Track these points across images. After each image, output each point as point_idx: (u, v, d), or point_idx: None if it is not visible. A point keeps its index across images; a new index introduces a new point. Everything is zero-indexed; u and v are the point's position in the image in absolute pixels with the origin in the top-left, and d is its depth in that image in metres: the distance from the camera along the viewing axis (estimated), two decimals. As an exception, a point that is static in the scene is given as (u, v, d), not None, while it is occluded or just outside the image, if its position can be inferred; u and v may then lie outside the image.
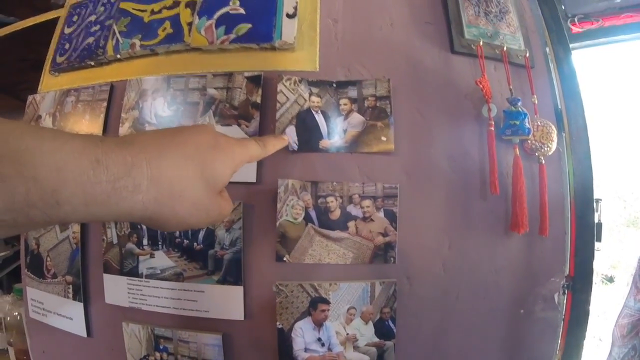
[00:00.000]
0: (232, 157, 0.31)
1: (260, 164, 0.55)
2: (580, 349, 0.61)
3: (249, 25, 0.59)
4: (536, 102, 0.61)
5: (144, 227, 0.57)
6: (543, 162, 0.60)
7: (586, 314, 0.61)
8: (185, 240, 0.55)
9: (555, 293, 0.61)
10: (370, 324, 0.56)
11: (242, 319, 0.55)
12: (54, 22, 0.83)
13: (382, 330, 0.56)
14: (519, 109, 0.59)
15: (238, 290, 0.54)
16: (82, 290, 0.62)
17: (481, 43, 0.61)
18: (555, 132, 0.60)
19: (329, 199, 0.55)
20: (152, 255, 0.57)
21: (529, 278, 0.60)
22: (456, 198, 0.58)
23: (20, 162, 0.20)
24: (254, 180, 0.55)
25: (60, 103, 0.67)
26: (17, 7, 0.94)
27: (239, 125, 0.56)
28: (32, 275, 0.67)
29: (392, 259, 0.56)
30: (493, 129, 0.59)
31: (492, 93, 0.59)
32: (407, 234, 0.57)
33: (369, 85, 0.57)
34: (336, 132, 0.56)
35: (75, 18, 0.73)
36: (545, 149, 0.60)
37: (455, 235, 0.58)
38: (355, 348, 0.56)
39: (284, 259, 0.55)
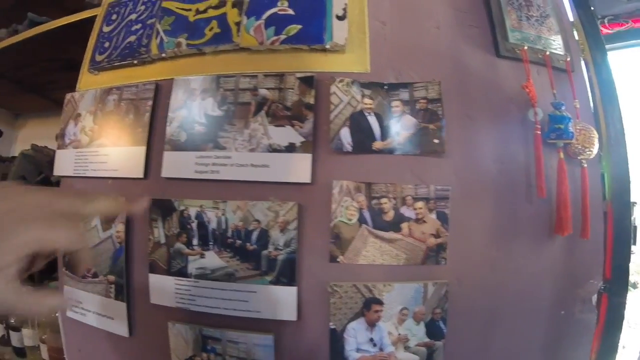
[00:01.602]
0: (22, 238, 0.26)
1: (314, 165, 0.52)
2: (615, 352, 0.59)
3: (299, 27, 0.56)
4: (578, 106, 0.59)
5: (194, 226, 0.53)
6: (585, 165, 0.58)
7: (621, 317, 0.59)
8: (238, 241, 0.52)
9: (593, 295, 0.59)
10: (422, 324, 0.53)
11: (295, 319, 0.52)
12: (85, 21, 0.79)
13: (433, 330, 0.53)
14: (563, 113, 0.57)
15: (291, 291, 0.51)
16: (126, 290, 0.57)
17: (526, 47, 0.59)
18: (597, 136, 0.58)
19: (383, 200, 0.52)
20: (202, 256, 0.53)
21: (570, 280, 0.58)
22: (503, 201, 0.56)
23: None
24: (308, 181, 0.51)
25: (101, 101, 0.62)
26: (47, 9, 0.89)
27: (292, 126, 0.53)
28: (71, 274, 0.63)
29: (443, 260, 0.53)
30: (540, 132, 0.57)
31: (537, 97, 0.57)
32: (457, 236, 0.54)
33: (420, 87, 0.55)
34: (389, 134, 0.53)
35: (114, 17, 0.68)
36: (587, 152, 0.58)
37: (502, 237, 0.56)
38: (406, 348, 0.53)
39: (338, 259, 0.52)
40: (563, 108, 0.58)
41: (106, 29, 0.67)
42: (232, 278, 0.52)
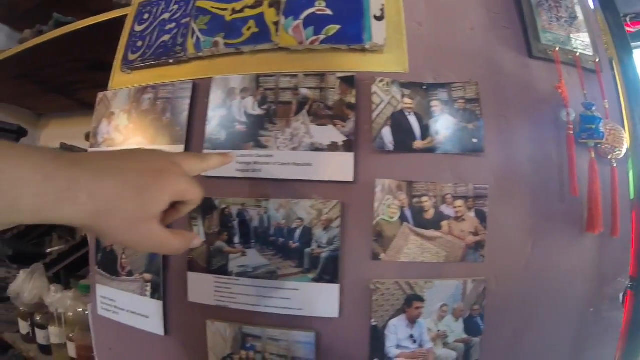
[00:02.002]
0: (169, 187, 0.31)
1: (357, 163, 0.51)
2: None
3: (338, 27, 0.55)
4: (607, 106, 0.59)
5: (236, 225, 0.52)
6: (614, 165, 0.58)
7: (646, 316, 0.59)
8: (280, 239, 0.51)
9: (620, 293, 0.59)
10: (461, 320, 0.53)
11: (337, 316, 0.51)
12: (111, 22, 0.78)
13: (471, 326, 0.53)
14: (594, 113, 0.58)
15: (334, 289, 0.51)
16: (162, 288, 0.56)
17: (557, 48, 0.59)
18: (626, 136, 0.59)
19: (424, 198, 0.52)
20: (243, 254, 0.52)
21: (598, 278, 0.59)
22: (538, 199, 0.56)
23: None
24: (351, 179, 0.51)
25: (135, 100, 0.61)
26: (72, 11, 0.88)
27: (335, 125, 0.52)
28: (104, 273, 0.61)
29: (481, 257, 0.53)
30: (572, 132, 0.57)
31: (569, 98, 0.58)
32: (495, 234, 0.54)
33: (458, 88, 0.55)
34: (429, 133, 0.53)
35: (146, 16, 0.67)
36: (617, 152, 0.59)
37: (537, 236, 0.56)
38: (445, 344, 0.53)
39: (380, 257, 0.51)
40: (594, 108, 0.58)
41: (138, 28, 0.66)
42: (274, 276, 0.52)
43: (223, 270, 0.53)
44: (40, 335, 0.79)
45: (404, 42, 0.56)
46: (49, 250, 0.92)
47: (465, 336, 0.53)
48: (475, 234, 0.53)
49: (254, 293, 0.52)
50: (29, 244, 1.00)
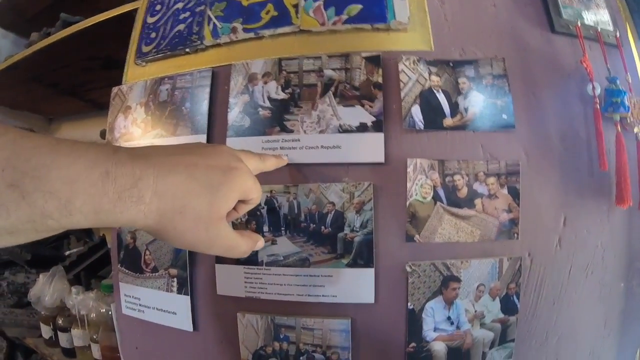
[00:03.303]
0: (239, 186, 0.28)
1: (387, 144, 0.47)
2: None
3: (360, 6, 0.51)
4: (630, 80, 0.56)
5: (264, 212, 0.48)
6: (640, 138, 0.55)
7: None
8: (311, 225, 0.47)
9: (651, 268, 0.56)
10: (497, 300, 0.49)
11: (373, 302, 0.47)
12: (121, 17, 0.73)
13: (508, 305, 0.49)
14: (619, 86, 0.54)
15: (369, 273, 0.46)
16: (189, 283, 0.52)
17: (579, 23, 0.55)
18: (651, 109, 0.55)
19: (456, 177, 0.48)
20: (273, 242, 0.48)
21: (629, 253, 0.55)
22: (568, 175, 0.52)
23: (40, 177, 0.20)
24: (382, 160, 0.47)
25: (153, 92, 0.57)
26: (80, 13, 0.83)
27: (362, 105, 0.48)
28: (127, 271, 0.57)
29: (515, 235, 0.49)
30: (599, 107, 0.53)
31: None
32: (527, 211, 0.50)
33: (485, 64, 0.51)
34: (458, 110, 0.49)
35: (158, 7, 0.63)
36: (642, 125, 0.55)
37: (569, 212, 0.52)
38: (482, 325, 0.49)
39: (414, 238, 0.47)
40: (618, 82, 0.54)
41: (150, 20, 0.62)
42: (306, 263, 0.47)
43: (253, 261, 0.48)
44: (63, 338, 0.74)
45: (428, 20, 0.52)
46: (67, 252, 0.87)
47: (502, 316, 0.49)
48: (509, 211, 0.49)
49: (285, 282, 0.48)
50: (47, 247, 0.95)
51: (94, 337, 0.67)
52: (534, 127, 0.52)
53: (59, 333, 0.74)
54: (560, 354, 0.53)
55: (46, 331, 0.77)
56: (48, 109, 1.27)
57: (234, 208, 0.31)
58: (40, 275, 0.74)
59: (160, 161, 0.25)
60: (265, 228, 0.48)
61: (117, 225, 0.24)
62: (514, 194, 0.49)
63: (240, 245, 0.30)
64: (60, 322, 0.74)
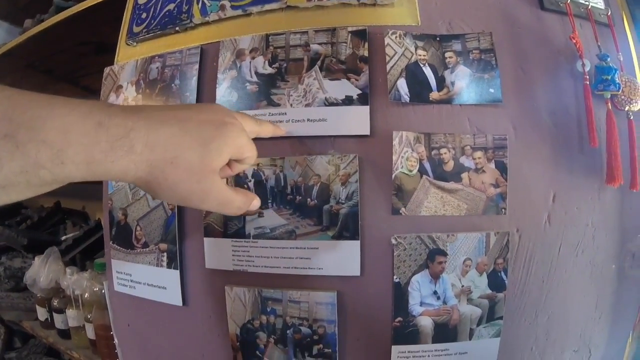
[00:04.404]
0: (232, 141, 0.29)
1: (372, 116, 0.48)
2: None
3: (347, -18, 0.52)
4: (621, 58, 0.56)
5: (251, 185, 0.49)
6: (631, 117, 0.55)
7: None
8: (297, 197, 0.48)
9: (643, 249, 0.56)
10: (485, 275, 0.50)
11: (359, 274, 0.48)
12: (114, 0, 0.74)
13: (495, 281, 0.50)
14: (610, 64, 0.54)
15: (355, 245, 0.47)
16: (179, 257, 0.53)
17: (569, 1, 0.56)
18: (642, 86, 0.56)
19: (442, 150, 0.49)
20: (260, 215, 0.49)
21: (621, 233, 0.55)
22: (558, 151, 0.53)
23: (34, 128, 0.21)
24: (367, 133, 0.48)
25: (143, 71, 0.58)
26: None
27: (348, 79, 0.49)
28: (119, 247, 0.58)
29: (502, 210, 0.50)
30: (588, 83, 0.54)
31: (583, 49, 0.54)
32: (515, 186, 0.51)
33: (471, 38, 0.51)
34: (444, 84, 0.50)
35: (149, -12, 0.64)
36: (634, 104, 0.55)
37: (558, 188, 0.52)
38: (469, 300, 0.50)
39: (400, 211, 0.48)
40: (609, 59, 0.54)
41: (141, 1, 0.63)
42: (292, 235, 0.48)
43: (240, 234, 0.50)
44: (58, 319, 0.76)
45: (415, -5, 0.53)
46: (63, 237, 0.89)
47: (489, 292, 0.50)
48: (496, 185, 0.50)
49: (272, 255, 0.49)
50: (44, 232, 0.98)
51: (88, 317, 0.68)
52: (522, 102, 0.52)
53: (54, 314, 0.76)
54: (551, 333, 0.53)
55: (42, 313, 0.79)
56: None
57: (229, 166, 0.32)
58: (36, 258, 0.76)
59: (153, 114, 0.25)
60: (252, 201, 0.49)
61: (109, 178, 0.25)
62: (502, 168, 0.50)
63: (234, 200, 0.30)
64: (55, 303, 0.76)
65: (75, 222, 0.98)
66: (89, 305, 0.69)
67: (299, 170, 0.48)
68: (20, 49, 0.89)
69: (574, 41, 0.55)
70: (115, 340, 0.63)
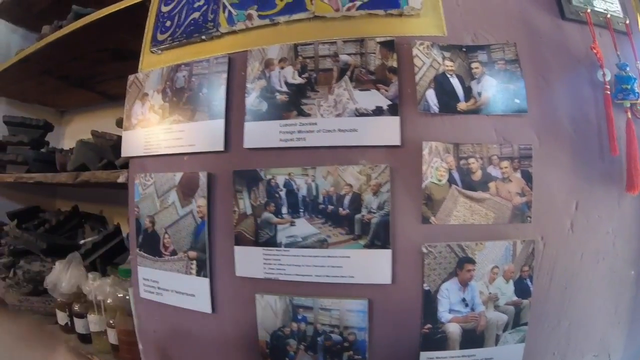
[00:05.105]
0: None
1: (403, 127, 0.48)
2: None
3: (374, -7, 0.51)
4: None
5: (283, 195, 0.48)
6: (651, 124, 0.55)
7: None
8: (329, 206, 0.47)
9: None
10: (511, 282, 0.49)
11: (389, 282, 0.47)
12: (133, 8, 0.73)
13: (521, 288, 0.49)
14: (629, 73, 0.54)
15: (386, 254, 0.47)
16: (209, 265, 0.52)
17: (589, 10, 0.55)
18: (661, 94, 0.55)
19: (471, 160, 0.48)
20: (292, 224, 0.48)
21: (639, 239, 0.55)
22: (579, 159, 0.52)
23: None
24: (398, 143, 0.47)
25: (169, 79, 0.57)
26: (89, 3, 0.82)
27: (378, 89, 0.48)
28: (146, 255, 0.57)
29: (528, 218, 0.49)
30: (609, 92, 0.53)
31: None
32: (540, 194, 0.50)
33: (497, 49, 0.51)
34: (471, 94, 0.49)
35: (172, -4, 0.63)
36: (653, 112, 0.55)
37: (580, 196, 0.52)
38: (496, 307, 0.49)
39: (430, 220, 0.47)
40: (628, 69, 0.54)
41: (165, 9, 0.62)
42: (324, 244, 0.48)
43: (272, 242, 0.49)
44: (79, 324, 0.74)
45: (440, 6, 0.52)
46: (82, 241, 0.88)
47: (515, 298, 0.50)
48: (522, 194, 0.49)
49: (304, 263, 0.48)
50: (62, 236, 0.96)
51: (111, 322, 0.67)
52: (545, 111, 0.52)
53: (75, 319, 0.74)
54: (572, 339, 0.53)
55: (62, 317, 0.78)
56: (59, 101, 1.27)
57: None
58: (57, 263, 0.74)
59: None
60: (284, 210, 0.49)
61: None
62: (527, 177, 0.49)
63: None
64: (76, 308, 0.74)
65: (93, 227, 0.96)
66: (112, 310, 0.67)
67: (330, 179, 0.48)
68: (37, 55, 0.87)
69: (595, 51, 0.54)
70: (140, 346, 0.62)
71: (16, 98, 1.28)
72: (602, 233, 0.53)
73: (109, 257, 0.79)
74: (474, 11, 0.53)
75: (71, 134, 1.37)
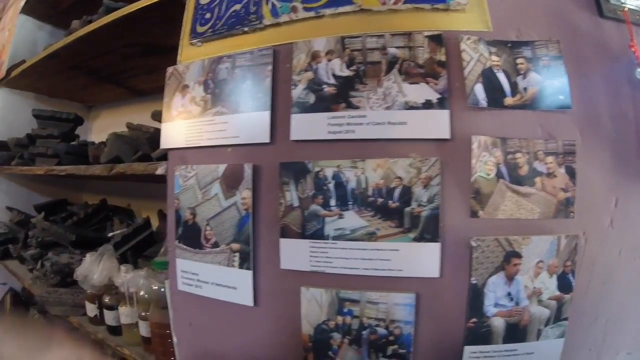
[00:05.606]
0: None
1: (452, 120, 0.45)
2: None
3: (420, -13, 0.49)
4: (674, 66, 0.54)
5: (331, 187, 0.45)
6: (685, 122, 0.53)
7: None
8: (379, 199, 0.44)
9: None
10: (554, 277, 0.47)
11: (438, 276, 0.45)
12: (167, 2, 0.69)
13: (563, 283, 0.47)
14: (665, 72, 0.52)
15: (435, 247, 0.44)
16: (252, 257, 0.49)
17: (626, 8, 0.53)
18: (695, 93, 0.53)
19: (517, 155, 0.46)
20: (340, 216, 0.45)
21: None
22: (618, 156, 0.50)
23: None
24: (448, 137, 0.44)
25: (211, 71, 0.54)
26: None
27: (427, 83, 0.45)
28: (185, 247, 0.54)
29: (571, 214, 0.47)
30: (647, 90, 0.51)
31: (639, 57, 0.52)
32: (582, 190, 0.48)
33: (541, 45, 0.48)
34: (517, 90, 0.47)
35: (211, -11, 0.59)
36: (687, 109, 0.53)
37: (619, 193, 0.49)
38: (539, 302, 0.47)
39: (478, 214, 0.45)
40: (664, 67, 0.52)
41: (204, 1, 0.58)
42: (373, 237, 0.45)
43: (319, 235, 0.46)
44: (109, 316, 0.70)
45: (484, 1, 0.50)
46: (111, 234, 0.84)
47: (558, 293, 0.47)
48: (566, 190, 0.47)
49: (352, 256, 0.45)
50: (91, 229, 0.92)
51: (143, 314, 0.64)
52: (586, 108, 0.49)
53: (105, 311, 0.71)
54: (607, 335, 0.50)
55: (91, 309, 0.74)
56: (87, 96, 1.22)
57: None
58: (87, 255, 0.70)
59: None
60: (332, 202, 0.45)
61: None
62: (571, 173, 0.47)
63: None
64: (106, 300, 0.70)
65: (122, 220, 0.92)
66: (144, 302, 0.64)
67: (380, 172, 0.45)
68: (66, 50, 0.83)
69: (633, 49, 0.52)
70: (175, 339, 0.59)
71: (44, 93, 1.23)
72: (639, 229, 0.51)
73: (139, 250, 0.75)
74: (516, 7, 0.51)
75: (98, 128, 1.32)
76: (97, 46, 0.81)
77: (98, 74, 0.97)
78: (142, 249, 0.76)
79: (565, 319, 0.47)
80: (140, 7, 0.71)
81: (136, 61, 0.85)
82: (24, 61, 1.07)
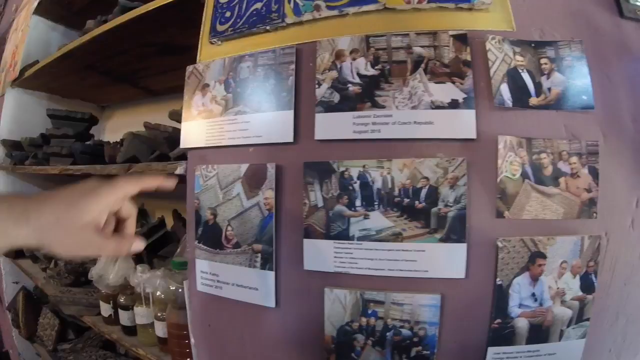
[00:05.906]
0: (97, 198, 0.32)
1: (478, 120, 0.43)
2: None
3: (444, -13, 0.47)
4: (692, 68, 0.53)
5: (357, 187, 0.43)
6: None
7: None
8: (405, 199, 0.42)
9: None
10: (577, 277, 0.45)
11: (463, 277, 0.43)
12: (184, 1, 0.66)
13: (586, 283, 0.45)
14: (684, 73, 0.51)
15: (461, 248, 0.42)
16: (275, 258, 0.47)
17: (646, 11, 0.52)
18: None
19: (542, 155, 0.44)
20: (366, 216, 0.43)
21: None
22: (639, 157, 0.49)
23: None
24: (474, 136, 0.43)
25: (232, 70, 0.51)
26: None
27: (453, 82, 0.44)
28: (205, 247, 0.51)
29: (594, 214, 0.45)
30: (667, 91, 0.50)
31: (659, 58, 0.51)
32: (604, 191, 0.46)
33: (564, 46, 0.47)
34: (542, 90, 0.45)
35: (230, -11, 0.57)
36: None
37: (640, 192, 0.48)
38: (562, 302, 0.45)
39: (504, 214, 0.43)
40: (682, 69, 0.51)
41: (223, 0, 0.57)
42: (398, 238, 0.43)
43: (343, 235, 0.44)
44: (124, 316, 0.67)
45: (507, 1, 0.48)
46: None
47: (580, 293, 0.45)
48: (589, 190, 0.45)
49: (377, 257, 0.43)
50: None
51: (159, 314, 0.61)
52: (609, 108, 0.48)
53: (120, 311, 0.68)
54: (627, 336, 0.48)
55: (106, 309, 0.71)
56: (101, 96, 1.19)
57: (124, 222, 0.37)
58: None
59: (41, 197, 0.32)
60: (358, 202, 0.43)
61: (16, 245, 0.31)
62: (594, 173, 0.45)
63: (107, 247, 0.34)
64: (121, 300, 0.68)
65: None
66: (161, 303, 0.61)
67: (406, 172, 0.43)
68: (81, 50, 0.80)
69: (653, 52, 0.51)
70: (192, 340, 0.56)
71: (58, 94, 1.19)
72: (659, 231, 0.50)
73: (154, 250, 0.73)
74: (539, 8, 0.49)
75: (112, 129, 1.28)
76: (112, 46, 0.79)
77: (112, 74, 0.94)
78: (157, 248, 0.73)
79: (587, 319, 0.46)
80: (156, 6, 0.68)
81: (151, 61, 0.83)
82: (37, 61, 1.04)
